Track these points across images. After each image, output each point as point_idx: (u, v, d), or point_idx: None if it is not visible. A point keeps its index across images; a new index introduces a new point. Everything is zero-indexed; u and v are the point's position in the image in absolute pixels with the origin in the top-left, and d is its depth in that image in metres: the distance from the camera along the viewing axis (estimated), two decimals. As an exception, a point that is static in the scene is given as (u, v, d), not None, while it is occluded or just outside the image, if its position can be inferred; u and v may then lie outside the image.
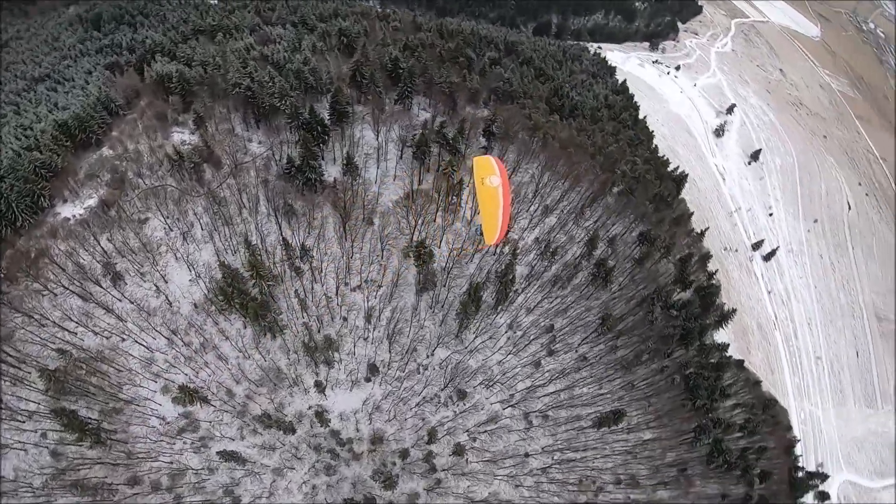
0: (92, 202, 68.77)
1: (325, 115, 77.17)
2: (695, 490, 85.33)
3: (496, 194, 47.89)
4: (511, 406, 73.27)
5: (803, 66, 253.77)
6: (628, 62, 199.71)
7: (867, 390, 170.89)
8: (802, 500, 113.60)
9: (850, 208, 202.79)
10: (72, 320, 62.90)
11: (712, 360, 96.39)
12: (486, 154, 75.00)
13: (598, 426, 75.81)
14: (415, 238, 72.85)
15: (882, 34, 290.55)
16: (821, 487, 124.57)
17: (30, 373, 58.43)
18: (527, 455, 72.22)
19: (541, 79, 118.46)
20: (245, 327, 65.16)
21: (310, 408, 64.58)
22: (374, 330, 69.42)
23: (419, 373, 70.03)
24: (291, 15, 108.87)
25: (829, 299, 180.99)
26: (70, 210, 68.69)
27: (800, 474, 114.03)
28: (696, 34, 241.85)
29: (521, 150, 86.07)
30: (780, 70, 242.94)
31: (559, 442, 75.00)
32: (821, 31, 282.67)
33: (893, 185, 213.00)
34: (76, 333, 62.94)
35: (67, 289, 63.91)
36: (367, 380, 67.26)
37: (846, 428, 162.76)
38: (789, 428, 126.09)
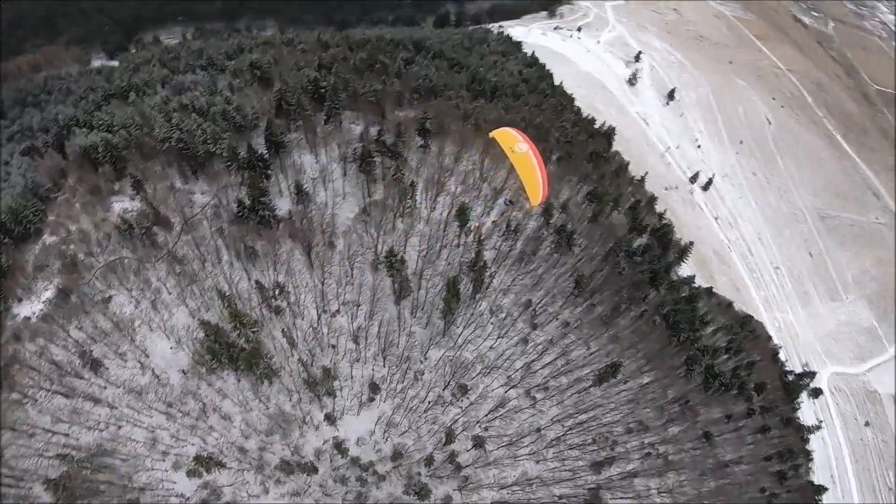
0: (49, 294, 66.65)
1: (262, 149, 77.07)
2: (701, 418, 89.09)
3: (528, 158, 51.81)
4: (513, 387, 74.99)
5: (695, 2, 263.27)
6: (531, 34, 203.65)
7: (829, 286, 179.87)
8: (799, 400, 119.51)
9: (769, 123, 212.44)
10: (62, 421, 61.11)
11: (684, 295, 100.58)
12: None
13: (598, 383, 78.30)
14: (380, 249, 73.85)
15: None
16: (812, 385, 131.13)
17: (32, 488, 56.66)
18: (539, 430, 74.08)
19: (455, 69, 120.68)
20: (240, 380, 64.68)
21: (325, 442, 64.63)
22: (365, 349, 70.04)
23: (418, 379, 71.03)
24: (198, 59, 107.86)
25: (772, 211, 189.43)
26: (28, 308, 66.47)
27: (790, 378, 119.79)
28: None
29: (458, 139, 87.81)
30: (675, 10, 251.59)
31: (567, 409, 77.11)
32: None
33: (804, 92, 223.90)
34: (69, 434, 61.09)
35: (49, 390, 62.17)
36: (371, 399, 67.81)
37: (819, 325, 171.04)
38: (769, 338, 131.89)
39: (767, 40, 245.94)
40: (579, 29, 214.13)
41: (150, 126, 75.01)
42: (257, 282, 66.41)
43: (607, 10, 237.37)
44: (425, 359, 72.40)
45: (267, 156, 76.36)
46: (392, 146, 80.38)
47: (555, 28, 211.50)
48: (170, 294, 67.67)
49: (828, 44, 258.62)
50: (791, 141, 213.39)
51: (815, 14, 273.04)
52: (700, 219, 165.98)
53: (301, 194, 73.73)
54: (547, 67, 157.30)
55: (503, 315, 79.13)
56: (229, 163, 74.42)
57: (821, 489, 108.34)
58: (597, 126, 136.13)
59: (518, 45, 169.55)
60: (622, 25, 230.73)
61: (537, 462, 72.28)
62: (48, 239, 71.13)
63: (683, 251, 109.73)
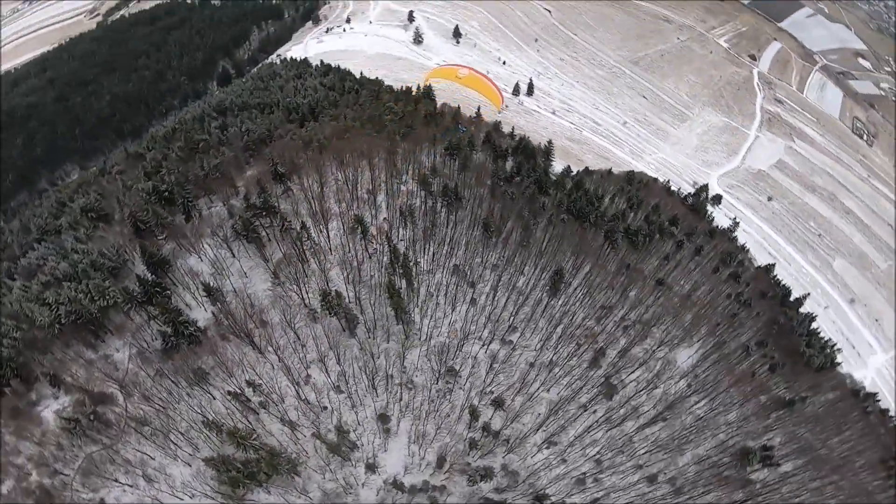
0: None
1: (147, 274, 74.38)
2: (647, 273, 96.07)
3: (474, 77, 58.10)
4: (490, 343, 77.77)
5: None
6: (309, 47, 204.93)
7: (673, 113, 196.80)
8: (709, 213, 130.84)
9: (549, 12, 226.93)
10: None
11: (570, 186, 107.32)
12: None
13: (553, 296, 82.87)
14: (308, 298, 74.26)
15: None
16: (710, 195, 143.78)
17: None
18: (532, 364, 77.55)
19: (266, 110, 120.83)
20: (269, 491, 62.95)
21: (379, 491, 64.35)
22: (353, 389, 70.16)
23: (413, 387, 72.19)
24: (27, 236, 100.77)
25: (593, 81, 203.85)
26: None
27: (690, 200, 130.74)
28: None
29: (313, 166, 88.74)
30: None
31: (542, 330, 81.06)
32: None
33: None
34: None
35: None
36: (387, 430, 68.36)
37: (685, 147, 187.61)
38: (655, 180, 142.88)
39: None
40: (348, 20, 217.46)
41: (30, 321, 70.02)
42: (228, 392, 64.56)
43: None
44: (405, 368, 73.55)
45: (157, 279, 74.04)
46: (263, 205, 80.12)
47: (327, 31, 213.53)
48: (154, 459, 64.39)
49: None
50: (575, 15, 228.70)
51: None
52: (541, 120, 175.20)
53: (211, 294, 72.18)
54: (342, 67, 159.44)
55: (444, 288, 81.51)
56: (128, 305, 71.44)
57: (770, 267, 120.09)
58: (414, 92, 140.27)
59: (305, 61, 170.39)
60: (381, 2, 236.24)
61: (548, 390, 75.84)
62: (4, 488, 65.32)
63: (547, 152, 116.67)
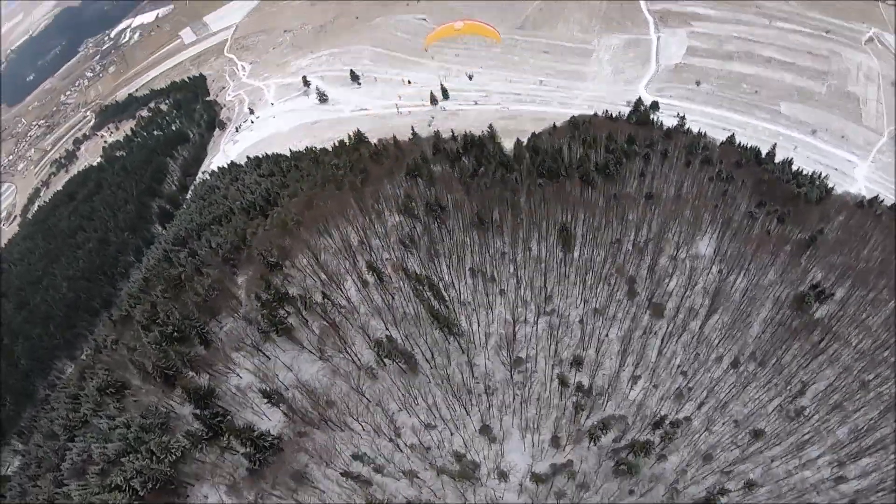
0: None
1: (198, 412, 74.46)
2: (637, 207, 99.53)
3: (468, 24, 65.06)
4: (539, 317, 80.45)
5: (283, 12, 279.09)
6: (233, 151, 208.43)
7: (577, 53, 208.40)
8: (656, 122, 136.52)
9: (425, 20, 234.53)
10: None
11: (528, 154, 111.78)
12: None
13: (567, 251, 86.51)
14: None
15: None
16: (648, 107, 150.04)
17: None
18: (581, 320, 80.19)
19: (225, 220, 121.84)
20: None
21: (521, 494, 64.67)
22: (446, 419, 71.57)
23: (493, 389, 73.73)
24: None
25: (495, 60, 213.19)
26: None
27: (634, 121, 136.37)
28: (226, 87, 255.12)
29: (298, 245, 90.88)
30: (285, 30, 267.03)
31: (578, 287, 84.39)
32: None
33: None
34: None
35: None
36: (494, 438, 69.31)
37: (604, 77, 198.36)
38: (595, 114, 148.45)
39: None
40: (251, 111, 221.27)
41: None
42: (342, 473, 64.72)
43: (251, 80, 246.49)
44: (477, 377, 74.93)
45: (212, 412, 74.38)
46: (276, 297, 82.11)
47: (237, 130, 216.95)
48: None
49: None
50: (448, 13, 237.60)
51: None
52: (469, 114, 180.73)
53: (272, 398, 72.56)
54: (270, 153, 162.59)
55: (472, 292, 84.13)
56: (197, 448, 71.46)
57: (731, 139, 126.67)
58: (347, 143, 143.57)
59: (233, 164, 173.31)
60: (270, 76, 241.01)
61: (607, 334, 78.64)
62: None
63: (492, 135, 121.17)
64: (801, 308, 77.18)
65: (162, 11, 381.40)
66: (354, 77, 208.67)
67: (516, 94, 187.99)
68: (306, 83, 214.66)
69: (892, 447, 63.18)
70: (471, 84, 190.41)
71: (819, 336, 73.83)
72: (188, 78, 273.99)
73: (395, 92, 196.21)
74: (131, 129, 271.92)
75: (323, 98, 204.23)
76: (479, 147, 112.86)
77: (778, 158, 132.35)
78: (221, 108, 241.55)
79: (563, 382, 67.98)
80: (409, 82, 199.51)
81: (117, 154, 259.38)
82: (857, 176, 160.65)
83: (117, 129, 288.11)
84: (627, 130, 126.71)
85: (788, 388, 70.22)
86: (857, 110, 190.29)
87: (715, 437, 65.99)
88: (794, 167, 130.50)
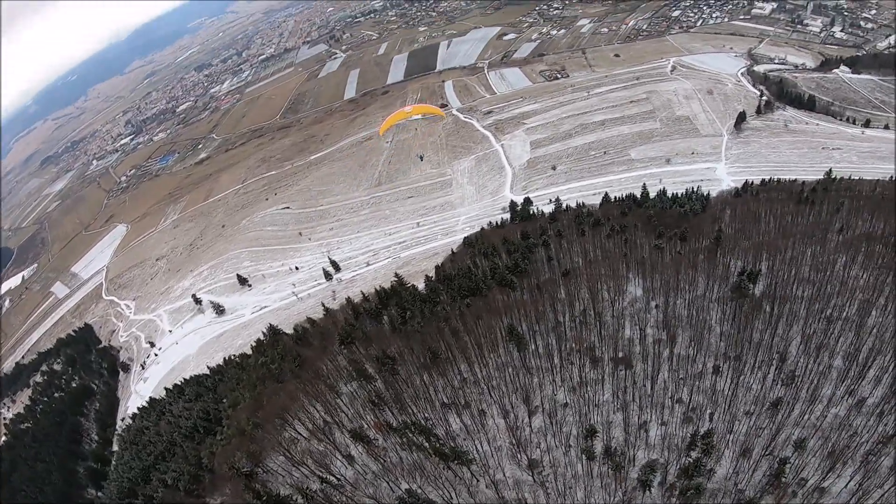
0: None
1: None
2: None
3: (415, 108, 73.26)
4: (535, 411, 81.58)
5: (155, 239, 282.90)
6: (141, 390, 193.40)
7: (438, 186, 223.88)
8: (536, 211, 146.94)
9: (289, 207, 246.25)
10: None
11: (422, 297, 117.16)
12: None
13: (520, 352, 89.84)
14: None
15: None
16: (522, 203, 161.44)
17: None
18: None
19: (168, 455, 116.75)
20: None
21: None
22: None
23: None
24: None
25: (368, 219, 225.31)
26: None
27: (518, 219, 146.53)
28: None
29: (272, 446, 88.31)
30: (157, 259, 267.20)
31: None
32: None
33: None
34: None
35: None
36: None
37: (471, 197, 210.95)
38: (482, 228, 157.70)
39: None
40: (152, 345, 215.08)
41: None
42: None
43: (140, 315, 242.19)
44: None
45: None
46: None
47: (143, 367, 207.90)
48: None
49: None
50: (307, 194, 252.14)
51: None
52: (366, 277, 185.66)
53: None
54: (193, 376, 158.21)
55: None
56: None
57: (606, 199, 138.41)
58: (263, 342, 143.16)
59: (152, 400, 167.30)
60: (158, 305, 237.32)
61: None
62: None
63: (394, 290, 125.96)
64: (742, 294, 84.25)
65: (27, 273, 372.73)
66: (242, 281, 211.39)
67: (401, 243, 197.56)
68: (197, 301, 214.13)
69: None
70: (356, 249, 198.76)
71: (769, 305, 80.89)
72: (74, 331, 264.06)
73: (287, 281, 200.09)
74: (29, 397, 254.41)
75: (219, 310, 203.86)
76: (396, 296, 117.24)
77: (652, 194, 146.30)
78: (119, 351, 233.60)
79: (589, 455, 69.10)
80: (297, 268, 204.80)
81: (23, 427, 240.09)
82: (721, 176, 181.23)
83: (13, 402, 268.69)
84: (517, 230, 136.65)
85: (773, 362, 75.22)
86: (693, 127, 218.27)
87: (740, 434, 68.61)
88: (670, 194, 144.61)
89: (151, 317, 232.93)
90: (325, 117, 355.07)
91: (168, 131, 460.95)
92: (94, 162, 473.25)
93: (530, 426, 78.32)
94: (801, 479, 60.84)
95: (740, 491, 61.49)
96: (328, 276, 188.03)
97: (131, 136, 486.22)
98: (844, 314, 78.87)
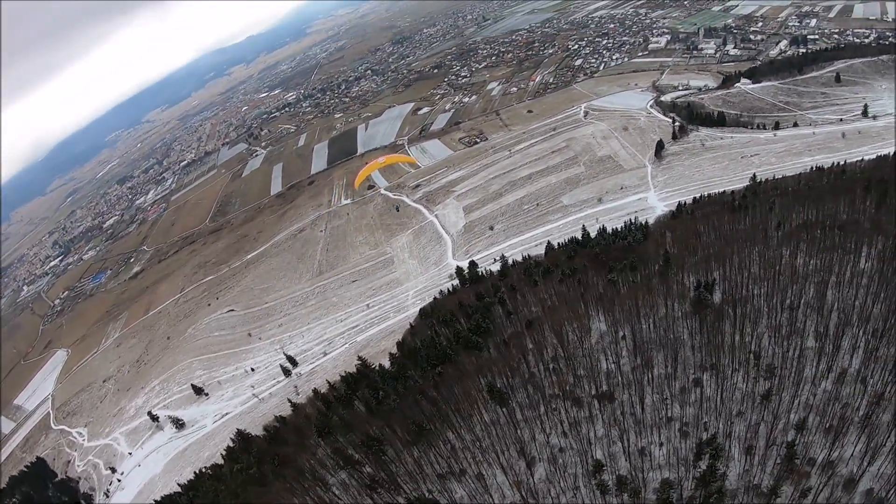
0: None
1: None
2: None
3: (390, 157, 75.76)
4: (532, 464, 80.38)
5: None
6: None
7: (382, 266, 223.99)
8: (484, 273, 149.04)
9: (234, 309, 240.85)
10: None
11: (395, 370, 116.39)
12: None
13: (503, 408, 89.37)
14: None
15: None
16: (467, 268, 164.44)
17: None
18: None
19: None
20: None
21: None
22: None
23: None
24: None
25: (315, 310, 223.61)
26: None
27: (468, 284, 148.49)
28: None
29: None
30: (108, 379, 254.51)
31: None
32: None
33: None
34: None
35: None
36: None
37: (415, 271, 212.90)
38: (434, 299, 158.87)
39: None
40: (113, 471, 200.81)
41: None
42: None
43: (94, 441, 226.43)
44: None
45: None
46: None
47: (107, 495, 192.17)
48: None
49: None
50: (249, 293, 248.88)
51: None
52: (325, 367, 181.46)
53: None
54: (164, 497, 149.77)
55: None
56: None
57: (549, 248, 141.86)
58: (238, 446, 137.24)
59: None
60: (112, 429, 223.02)
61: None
62: None
63: (353, 377, 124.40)
64: (704, 305, 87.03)
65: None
66: (198, 390, 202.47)
67: (355, 327, 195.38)
68: (154, 418, 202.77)
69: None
70: (310, 341, 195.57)
71: (731, 309, 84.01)
72: (26, 467, 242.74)
73: (245, 384, 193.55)
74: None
75: (179, 424, 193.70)
76: (364, 378, 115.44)
77: (593, 233, 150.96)
78: (78, 482, 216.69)
79: (603, 489, 68.42)
80: (253, 370, 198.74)
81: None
82: (653, 203, 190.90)
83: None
84: (470, 293, 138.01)
85: (749, 360, 77.90)
86: (617, 164, 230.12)
87: (739, 433, 69.90)
88: (610, 230, 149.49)
89: (107, 441, 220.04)
90: (256, 215, 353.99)
91: (97, 248, 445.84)
92: (25, 288, 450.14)
93: (533, 477, 77.38)
94: (809, 459, 62.37)
95: (756, 486, 62.20)
96: (287, 372, 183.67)
97: (60, 258, 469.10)
98: (803, 300, 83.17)
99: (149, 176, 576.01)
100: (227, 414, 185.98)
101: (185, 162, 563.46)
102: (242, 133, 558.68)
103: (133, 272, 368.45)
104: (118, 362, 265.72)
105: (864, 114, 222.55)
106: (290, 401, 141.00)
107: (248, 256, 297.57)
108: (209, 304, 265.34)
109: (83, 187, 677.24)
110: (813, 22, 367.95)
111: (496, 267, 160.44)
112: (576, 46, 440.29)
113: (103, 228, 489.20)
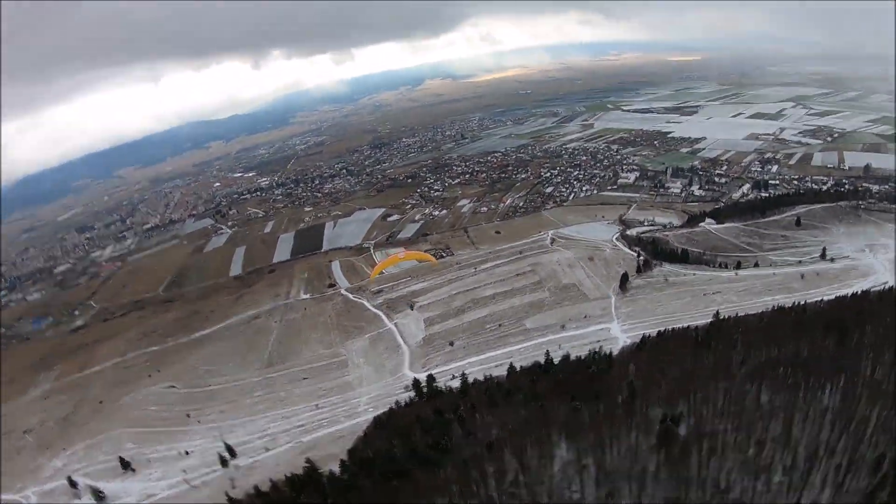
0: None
1: None
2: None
3: (409, 253, 77.90)
4: None
5: None
6: None
7: (335, 368, 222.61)
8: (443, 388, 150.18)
9: (175, 386, 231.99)
10: None
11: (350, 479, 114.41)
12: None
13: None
14: None
15: None
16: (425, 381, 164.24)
17: None
18: None
19: None
20: None
21: None
22: None
23: None
24: None
25: (262, 403, 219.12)
26: None
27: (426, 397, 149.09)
28: None
29: None
30: None
31: None
32: None
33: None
34: None
35: None
36: None
37: (370, 377, 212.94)
38: (390, 408, 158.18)
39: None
40: None
41: None
42: None
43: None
44: None
45: None
46: None
47: None
48: None
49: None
50: (194, 373, 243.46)
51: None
52: (271, 462, 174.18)
53: None
54: None
55: None
56: None
57: (512, 369, 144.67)
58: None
59: None
60: (26, 486, 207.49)
61: None
62: None
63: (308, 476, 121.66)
64: (670, 437, 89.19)
65: None
66: (125, 464, 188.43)
67: (301, 426, 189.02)
68: (73, 484, 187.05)
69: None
70: (252, 433, 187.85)
71: (697, 443, 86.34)
72: None
73: (177, 467, 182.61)
74: None
75: (99, 496, 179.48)
76: (311, 482, 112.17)
77: (556, 359, 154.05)
78: None
79: None
80: (188, 453, 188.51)
81: None
82: (616, 335, 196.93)
83: None
84: (427, 407, 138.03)
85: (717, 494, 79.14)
86: (581, 292, 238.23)
87: None
88: (573, 357, 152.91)
89: (17, 497, 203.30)
90: (211, 293, 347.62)
91: (43, 292, 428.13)
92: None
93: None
94: None
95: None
96: (224, 462, 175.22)
97: (4, 292, 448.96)
98: (769, 435, 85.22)
99: (110, 231, 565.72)
100: (152, 496, 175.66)
101: (149, 225, 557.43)
102: (211, 208, 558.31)
103: (75, 325, 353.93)
104: (43, 416, 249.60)
105: (823, 256, 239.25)
106: (227, 495, 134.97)
107: (197, 334, 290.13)
108: (150, 376, 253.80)
109: (41, 227, 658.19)
110: (774, 168, 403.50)
111: (455, 383, 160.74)
112: (548, 174, 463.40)
113: (53, 273, 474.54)
